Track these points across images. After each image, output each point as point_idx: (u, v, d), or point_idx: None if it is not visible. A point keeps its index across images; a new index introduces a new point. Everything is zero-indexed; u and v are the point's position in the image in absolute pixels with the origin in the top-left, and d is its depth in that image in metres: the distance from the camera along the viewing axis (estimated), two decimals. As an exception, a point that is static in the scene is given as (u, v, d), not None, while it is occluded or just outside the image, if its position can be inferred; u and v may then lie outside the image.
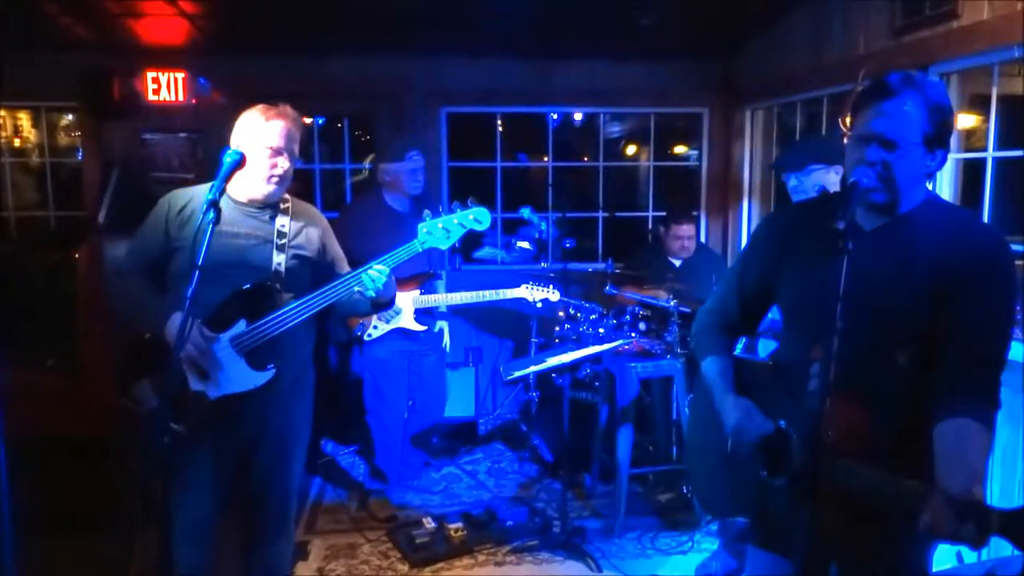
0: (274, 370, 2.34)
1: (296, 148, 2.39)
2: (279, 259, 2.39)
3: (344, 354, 4.62)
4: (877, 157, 1.59)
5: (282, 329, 2.35)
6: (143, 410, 2.24)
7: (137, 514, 2.53)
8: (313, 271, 2.50)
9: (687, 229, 4.47)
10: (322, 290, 2.39)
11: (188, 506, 2.34)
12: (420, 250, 2.45)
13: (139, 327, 2.33)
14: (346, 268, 2.59)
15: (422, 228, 2.46)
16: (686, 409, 3.61)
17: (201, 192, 2.37)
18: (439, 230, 2.45)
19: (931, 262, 1.61)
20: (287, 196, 2.48)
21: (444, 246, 2.49)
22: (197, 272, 1.97)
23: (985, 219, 3.12)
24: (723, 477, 1.94)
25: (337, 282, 2.40)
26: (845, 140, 1.71)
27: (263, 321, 2.33)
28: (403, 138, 4.38)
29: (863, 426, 1.57)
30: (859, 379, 1.57)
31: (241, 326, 2.32)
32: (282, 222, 2.43)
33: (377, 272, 2.37)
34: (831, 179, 2.98)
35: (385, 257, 2.40)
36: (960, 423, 1.51)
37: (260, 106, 2.37)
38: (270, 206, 2.43)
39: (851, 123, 1.69)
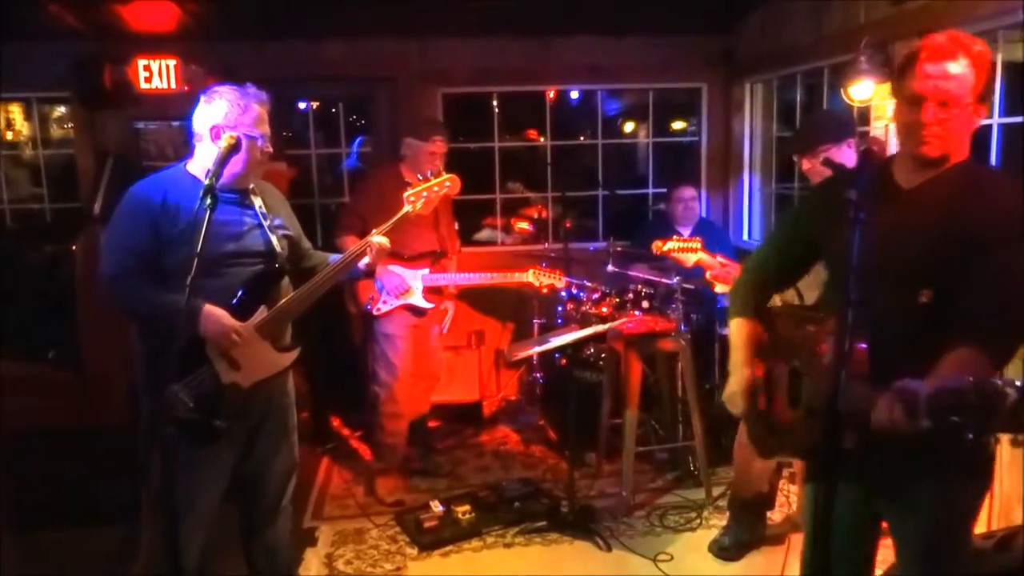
0: (298, 349, 2.42)
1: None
2: (273, 240, 2.40)
3: (353, 329, 4.59)
4: (934, 116, 1.62)
5: (300, 309, 2.41)
6: (178, 413, 2.18)
7: (145, 505, 2.51)
8: (291, 247, 2.53)
9: (688, 191, 4.64)
10: (329, 267, 2.50)
11: (202, 494, 2.34)
12: (412, 215, 2.75)
13: (166, 326, 2.11)
14: (306, 240, 2.67)
15: (408, 196, 2.76)
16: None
17: (166, 180, 2.30)
18: (421, 197, 2.76)
19: (964, 218, 1.63)
20: None
21: (426, 212, 2.83)
22: (196, 260, 1.95)
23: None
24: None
25: (343, 257, 2.53)
26: (891, 101, 1.75)
27: (282, 304, 2.39)
28: (436, 121, 4.52)
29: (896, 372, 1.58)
30: (889, 331, 1.59)
31: (263, 312, 2.34)
32: (258, 203, 2.41)
33: (378, 242, 2.53)
34: (845, 155, 2.85)
35: (382, 228, 2.60)
36: (965, 351, 1.53)
37: (238, 91, 2.29)
38: (242, 189, 2.38)
39: (900, 85, 1.69)
